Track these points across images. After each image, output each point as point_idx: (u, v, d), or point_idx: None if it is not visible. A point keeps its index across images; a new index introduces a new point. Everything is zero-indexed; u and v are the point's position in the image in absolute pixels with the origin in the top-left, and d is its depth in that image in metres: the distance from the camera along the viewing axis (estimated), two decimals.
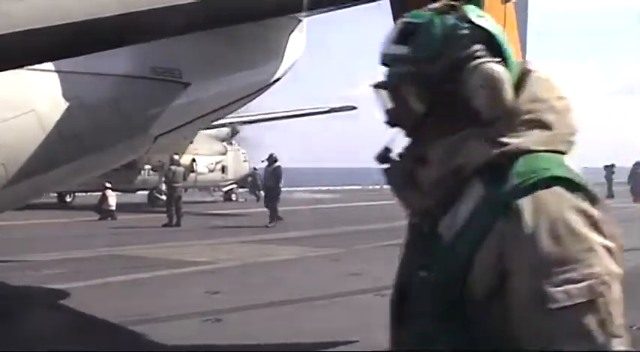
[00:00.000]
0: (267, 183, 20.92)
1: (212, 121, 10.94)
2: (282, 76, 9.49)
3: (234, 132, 33.46)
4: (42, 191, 7.88)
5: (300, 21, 9.33)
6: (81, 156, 6.99)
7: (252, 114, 31.09)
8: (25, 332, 7.00)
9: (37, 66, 6.12)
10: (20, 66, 4.47)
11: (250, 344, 6.66)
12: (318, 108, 31.12)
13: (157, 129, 7.84)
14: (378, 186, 54.63)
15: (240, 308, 8.15)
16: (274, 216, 19.41)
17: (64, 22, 3.48)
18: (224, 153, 32.22)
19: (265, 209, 20.02)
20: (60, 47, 3.76)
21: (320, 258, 13.09)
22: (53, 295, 8.87)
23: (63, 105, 6.74)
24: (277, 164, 20.75)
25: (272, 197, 20.04)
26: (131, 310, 7.96)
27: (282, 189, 21.08)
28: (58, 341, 6.64)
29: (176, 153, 23.32)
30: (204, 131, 29.43)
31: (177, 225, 19.71)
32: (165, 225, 19.55)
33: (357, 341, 6.70)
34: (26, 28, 3.40)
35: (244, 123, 32.02)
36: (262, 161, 23.05)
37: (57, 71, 6.72)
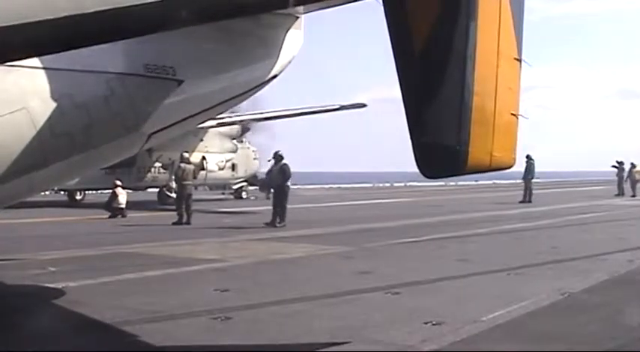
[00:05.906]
0: (275, 181, 20.45)
1: (206, 119, 10.86)
2: (279, 73, 9.38)
3: (244, 130, 33.46)
4: (35, 189, 7.81)
5: (297, 18, 9.21)
6: (73, 153, 6.92)
7: (263, 111, 31.09)
8: (35, 330, 6.97)
9: (28, 63, 6.04)
10: (5, 61, 4.37)
11: (260, 344, 6.57)
12: (328, 105, 31.00)
13: (150, 127, 7.76)
14: (387, 184, 55.01)
15: (250, 306, 8.08)
16: (284, 216, 19.21)
17: (53, 17, 3.40)
18: (234, 151, 32.22)
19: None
20: (48, 41, 3.67)
21: (331, 255, 13.01)
22: (63, 293, 8.84)
23: (55, 102, 6.66)
24: (284, 162, 20.48)
25: (281, 196, 19.74)
26: (140, 308, 7.92)
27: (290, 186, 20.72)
28: (67, 339, 6.60)
29: (186, 151, 23.28)
30: (215, 129, 29.47)
31: (188, 223, 19.67)
32: (175, 223, 19.52)
33: (367, 339, 6.60)
34: (12, 23, 3.32)
35: (255, 120, 32.00)
36: (269, 160, 22.70)
37: (49, 68, 6.63)
